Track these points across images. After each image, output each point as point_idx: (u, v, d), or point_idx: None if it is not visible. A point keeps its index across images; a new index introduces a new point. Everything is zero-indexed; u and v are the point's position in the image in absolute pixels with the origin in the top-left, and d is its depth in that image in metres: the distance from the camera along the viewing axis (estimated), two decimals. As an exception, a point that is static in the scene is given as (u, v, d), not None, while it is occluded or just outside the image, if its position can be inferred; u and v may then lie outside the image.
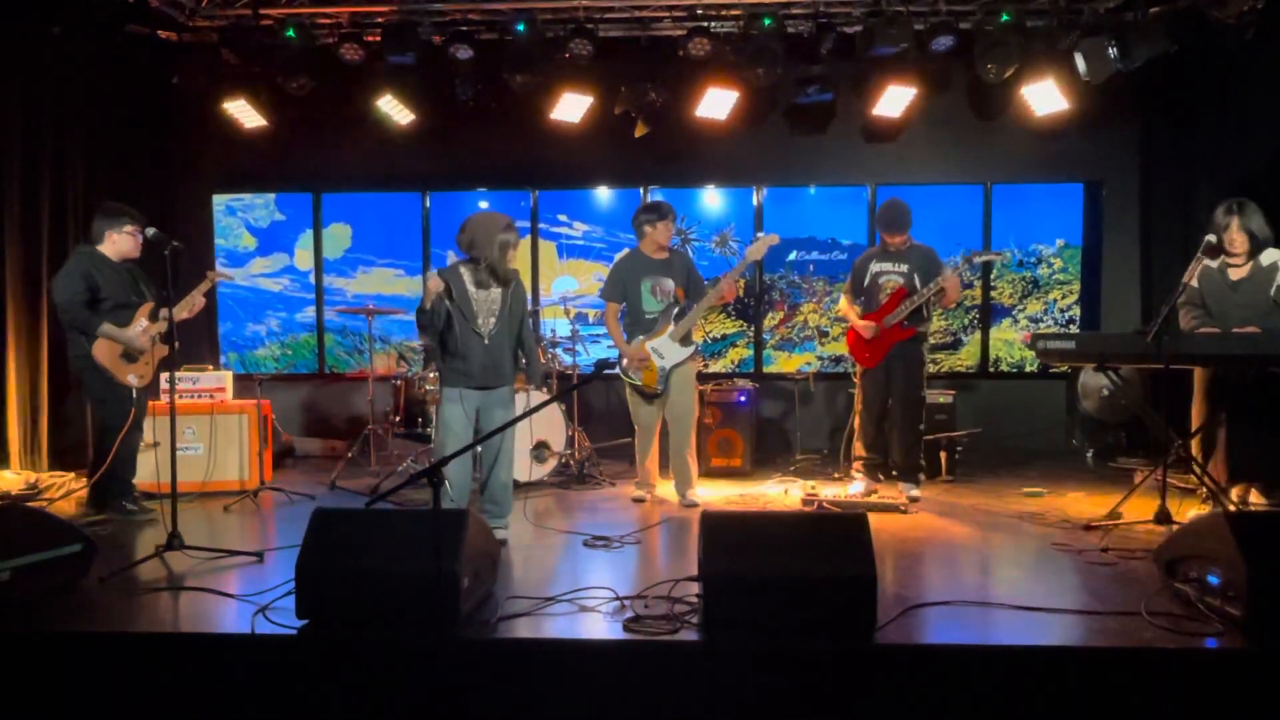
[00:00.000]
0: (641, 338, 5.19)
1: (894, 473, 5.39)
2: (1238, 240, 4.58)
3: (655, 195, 7.19)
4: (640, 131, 6.87)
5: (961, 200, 7.21)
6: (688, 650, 2.91)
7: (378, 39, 6.52)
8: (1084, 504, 5.11)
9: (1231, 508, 4.46)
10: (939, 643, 2.96)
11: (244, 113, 6.78)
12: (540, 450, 5.80)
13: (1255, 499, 4.71)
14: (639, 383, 5.21)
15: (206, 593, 3.46)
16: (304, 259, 7.56)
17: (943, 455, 5.95)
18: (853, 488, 5.35)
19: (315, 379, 7.60)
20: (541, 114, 6.76)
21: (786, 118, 7.18)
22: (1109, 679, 2.80)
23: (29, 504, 4.94)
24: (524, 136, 7.08)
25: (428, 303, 4.20)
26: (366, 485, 5.72)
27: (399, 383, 6.06)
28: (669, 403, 5.22)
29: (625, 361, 5.22)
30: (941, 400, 6.10)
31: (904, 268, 5.24)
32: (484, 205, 7.42)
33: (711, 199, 7.37)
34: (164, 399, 5.18)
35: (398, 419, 6.03)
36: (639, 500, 5.31)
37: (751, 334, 7.40)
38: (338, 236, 7.55)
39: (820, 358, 7.36)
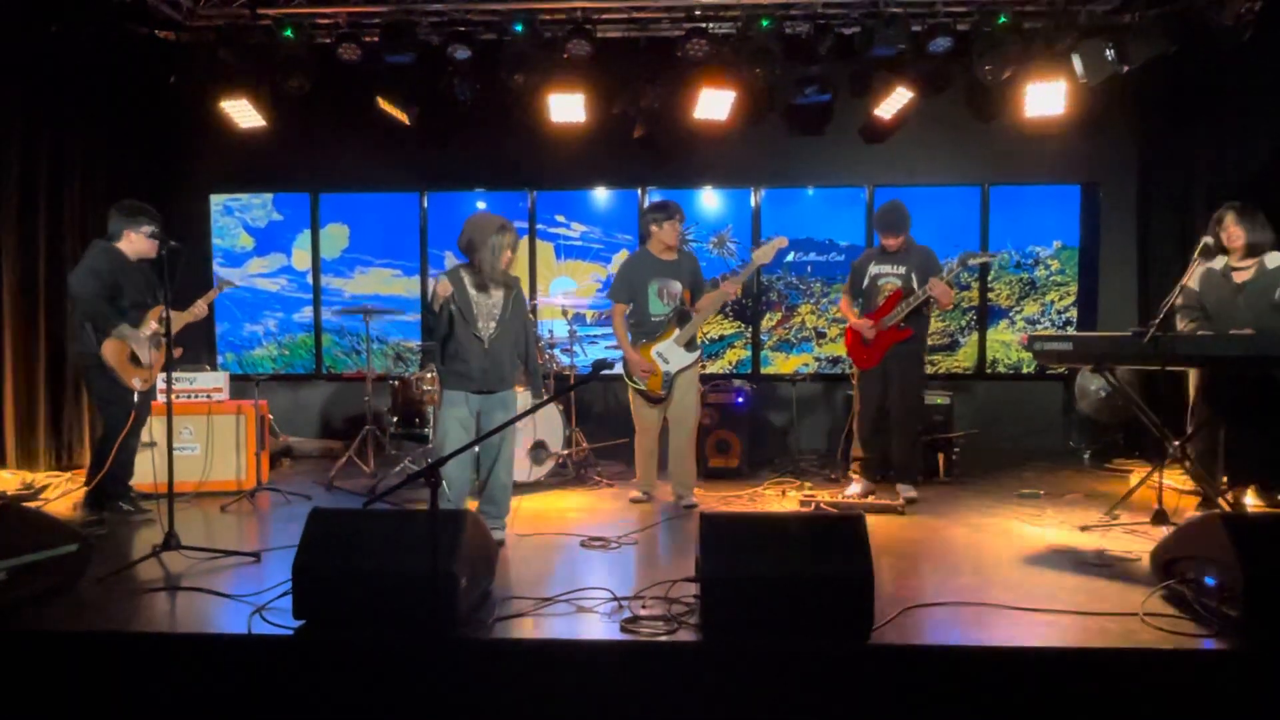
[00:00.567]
0: (646, 343, 5.19)
1: (891, 473, 5.40)
2: (1235, 234, 4.58)
3: (654, 196, 7.19)
4: (639, 132, 6.87)
5: (959, 202, 7.21)
6: (685, 651, 2.91)
7: (376, 39, 6.52)
8: (1081, 505, 5.11)
9: (1228, 509, 4.47)
10: (936, 643, 2.96)
11: (242, 112, 6.75)
12: (538, 451, 5.80)
13: (1252, 500, 4.72)
14: (644, 387, 5.20)
15: (203, 593, 3.45)
16: (301, 259, 7.55)
17: (940, 456, 5.95)
18: (851, 489, 5.36)
19: (312, 379, 7.60)
20: (540, 114, 6.75)
21: (784, 119, 7.18)
22: (1106, 680, 2.81)
23: (25, 504, 4.92)
24: (522, 137, 7.07)
25: (436, 305, 4.21)
26: (364, 486, 5.72)
27: (396, 383, 6.06)
28: (672, 405, 5.21)
29: (631, 369, 5.22)
30: (939, 401, 6.10)
31: (902, 269, 5.25)
32: (482, 206, 7.41)
33: (709, 200, 7.37)
34: (160, 399, 5.17)
35: (395, 419, 6.03)
36: (638, 501, 5.31)
37: (749, 335, 7.41)
38: (335, 236, 7.55)
39: (818, 359, 7.36)
